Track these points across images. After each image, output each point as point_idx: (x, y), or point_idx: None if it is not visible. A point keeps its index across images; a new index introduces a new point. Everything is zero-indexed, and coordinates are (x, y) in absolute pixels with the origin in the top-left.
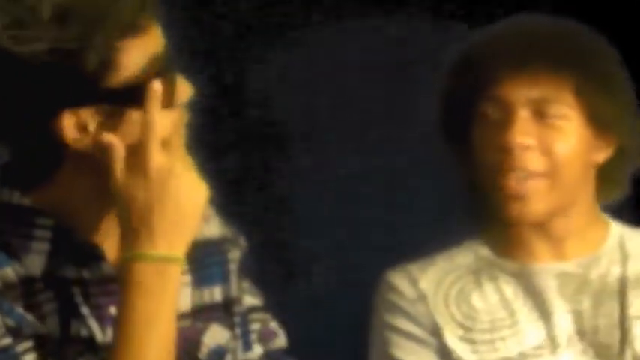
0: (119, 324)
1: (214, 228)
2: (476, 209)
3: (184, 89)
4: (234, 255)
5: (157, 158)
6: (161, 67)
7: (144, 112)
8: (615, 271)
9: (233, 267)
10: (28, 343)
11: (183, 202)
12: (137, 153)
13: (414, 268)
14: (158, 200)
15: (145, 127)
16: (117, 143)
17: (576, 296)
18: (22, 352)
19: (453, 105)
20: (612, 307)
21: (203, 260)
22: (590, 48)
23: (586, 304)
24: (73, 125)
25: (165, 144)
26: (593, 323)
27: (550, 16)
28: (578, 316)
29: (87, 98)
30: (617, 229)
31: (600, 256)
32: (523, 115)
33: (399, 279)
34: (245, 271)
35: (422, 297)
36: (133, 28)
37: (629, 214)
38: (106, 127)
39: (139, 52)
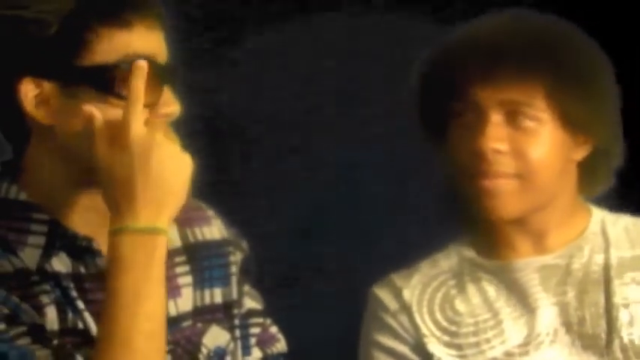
0: (106, 302)
1: (216, 230)
2: (459, 209)
3: (170, 104)
4: (236, 258)
5: (137, 130)
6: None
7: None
8: (598, 259)
9: (234, 270)
10: (22, 328)
11: (166, 173)
12: (117, 127)
13: (398, 278)
14: (140, 171)
15: (128, 98)
16: (98, 114)
17: (560, 288)
18: (15, 336)
19: (428, 104)
20: (597, 297)
21: (204, 262)
22: (566, 49)
23: (570, 295)
24: (34, 95)
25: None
26: (579, 314)
27: (531, 13)
28: (563, 308)
29: (51, 70)
30: (598, 214)
31: (582, 244)
32: (495, 119)
33: (382, 292)
34: (246, 274)
35: (405, 308)
36: (115, 19)
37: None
38: (68, 107)
39: (118, 43)
